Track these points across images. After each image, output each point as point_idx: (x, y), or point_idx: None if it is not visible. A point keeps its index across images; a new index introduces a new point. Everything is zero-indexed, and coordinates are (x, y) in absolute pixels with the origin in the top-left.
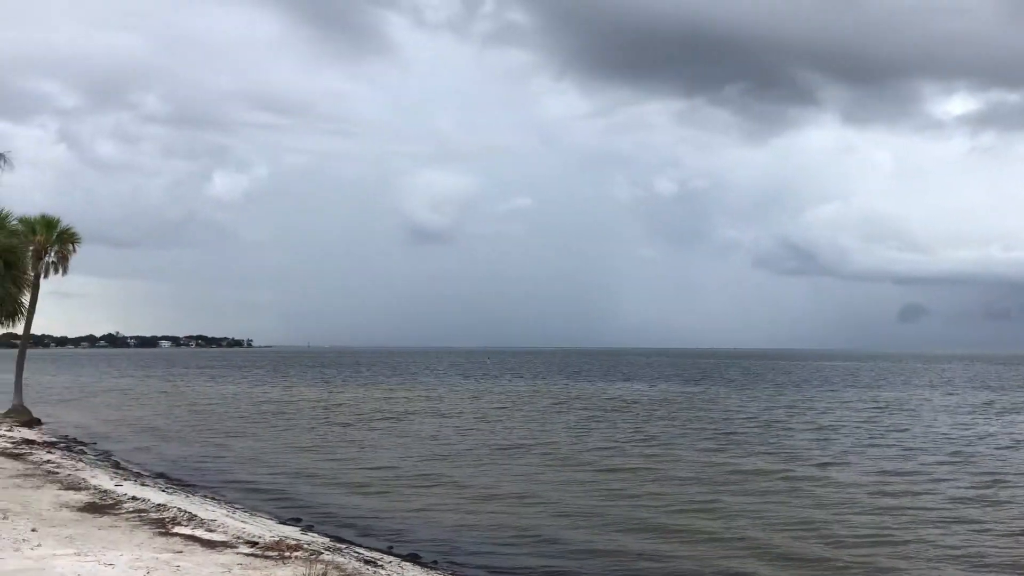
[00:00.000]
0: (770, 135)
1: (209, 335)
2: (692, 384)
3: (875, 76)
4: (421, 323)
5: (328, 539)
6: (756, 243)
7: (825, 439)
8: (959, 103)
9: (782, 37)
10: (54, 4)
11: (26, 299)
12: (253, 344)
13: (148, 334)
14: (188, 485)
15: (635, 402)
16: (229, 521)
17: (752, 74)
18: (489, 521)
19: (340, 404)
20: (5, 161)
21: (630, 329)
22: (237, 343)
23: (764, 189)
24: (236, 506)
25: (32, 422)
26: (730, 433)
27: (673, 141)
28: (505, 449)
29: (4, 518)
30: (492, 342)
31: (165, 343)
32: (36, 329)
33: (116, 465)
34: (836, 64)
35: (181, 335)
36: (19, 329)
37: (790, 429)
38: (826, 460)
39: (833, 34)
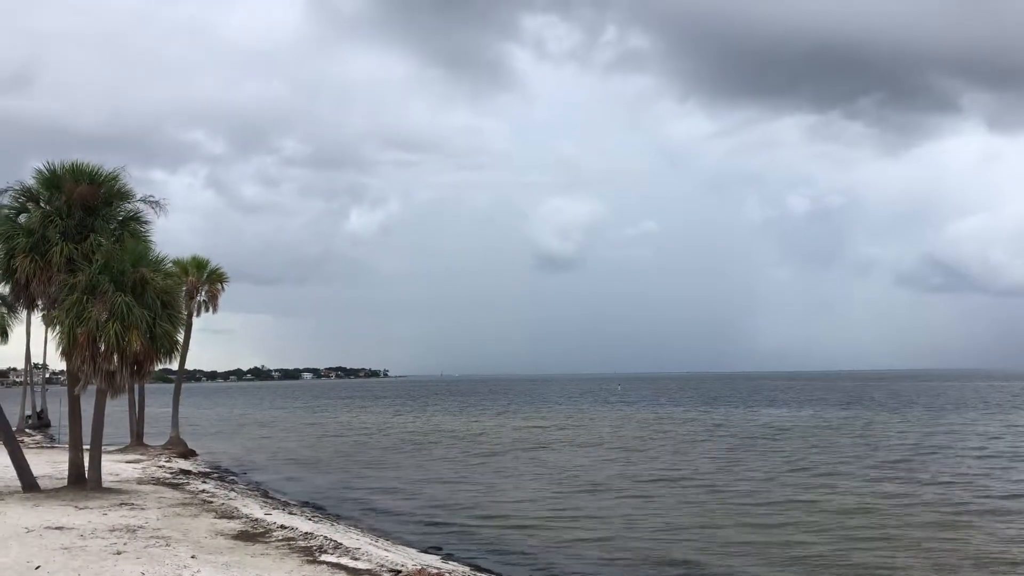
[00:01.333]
0: (908, 146)
1: (347, 366)
2: (841, 408)
3: (1020, 80)
4: (551, 350)
5: (468, 568)
6: (898, 260)
7: (1005, 468)
8: None
9: (915, 45)
10: (196, 56)
11: (181, 337)
12: (389, 374)
13: (291, 367)
14: (333, 514)
15: (783, 429)
16: (372, 549)
17: (887, 84)
18: (634, 555)
19: (478, 433)
20: (160, 207)
21: (766, 352)
22: (374, 373)
23: (904, 203)
24: (379, 534)
25: (188, 453)
26: (897, 461)
27: (804, 158)
28: (650, 481)
29: (167, 545)
30: (621, 367)
31: (307, 375)
32: (188, 364)
33: (265, 494)
34: (976, 69)
35: (321, 367)
36: (175, 365)
37: (960, 456)
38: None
39: (970, 39)
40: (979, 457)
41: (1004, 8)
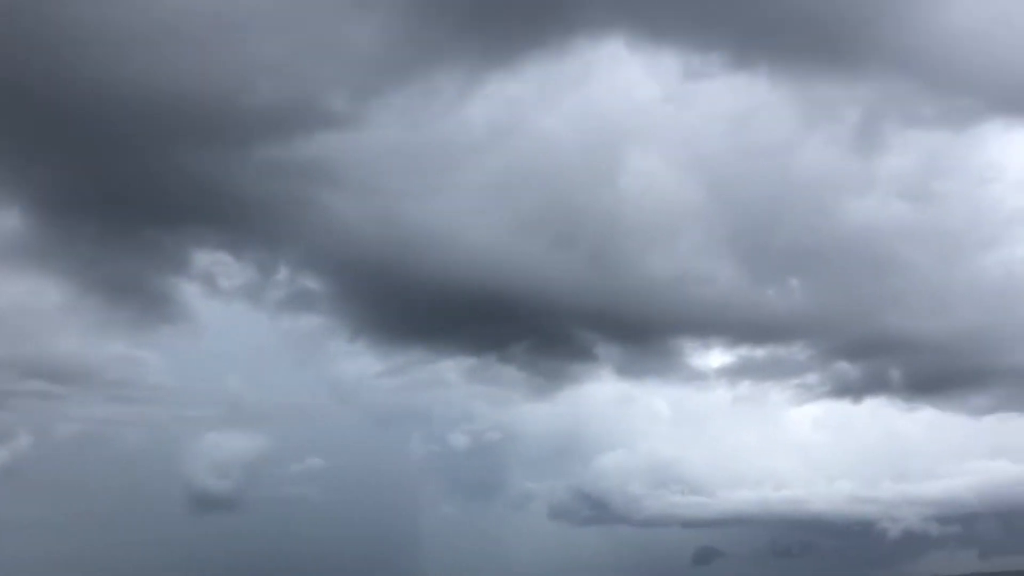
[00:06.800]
0: (556, 389)
1: None
2: None
3: (642, 335)
4: None
5: None
6: (551, 493)
7: None
8: (716, 357)
9: (558, 300)
10: None
11: None
12: None
13: None
14: None
15: None
16: None
17: (535, 333)
18: None
19: None
20: None
21: None
22: None
23: (555, 440)
24: None
25: None
26: None
27: (466, 396)
28: None
29: None
30: None
31: None
32: None
33: None
34: (607, 324)
35: None
36: None
37: None
38: None
39: (602, 298)
40: None
41: (625, 275)
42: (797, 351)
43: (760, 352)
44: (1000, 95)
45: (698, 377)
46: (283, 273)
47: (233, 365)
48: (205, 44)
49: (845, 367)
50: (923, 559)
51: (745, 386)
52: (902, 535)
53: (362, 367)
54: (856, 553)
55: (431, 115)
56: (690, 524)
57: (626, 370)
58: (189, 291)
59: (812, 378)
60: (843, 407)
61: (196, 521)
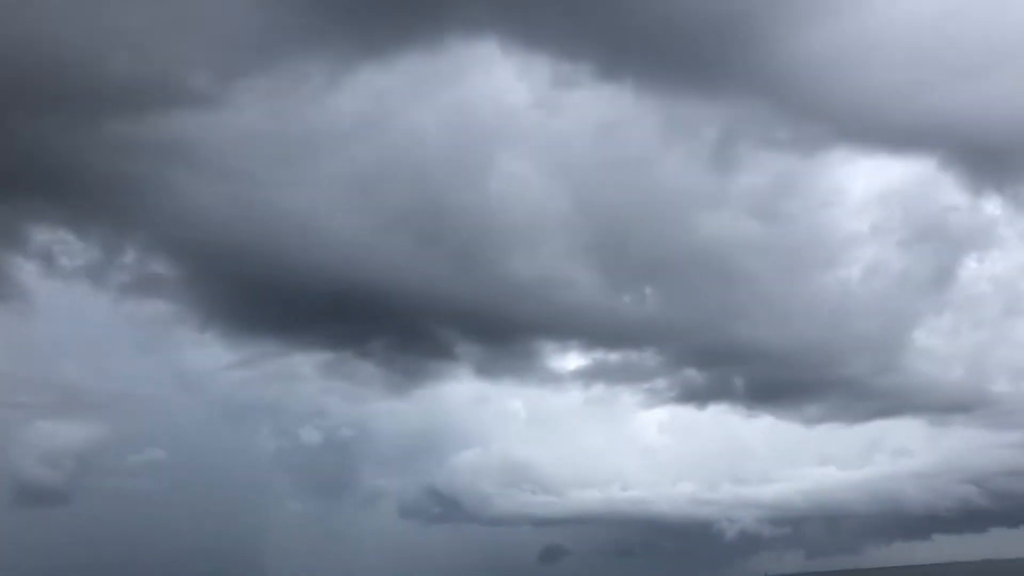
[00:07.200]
0: (413, 387)
1: None
2: None
3: (502, 336)
4: None
5: None
6: (403, 491)
7: None
8: (573, 360)
9: (419, 297)
10: None
11: None
12: None
13: None
14: None
15: None
16: None
17: (394, 330)
18: None
19: None
20: None
21: None
22: None
23: (410, 438)
24: None
25: None
26: None
27: (320, 391)
28: None
29: None
30: None
31: None
32: None
33: None
34: (468, 324)
35: None
36: None
37: None
38: None
39: (464, 298)
40: None
41: (490, 275)
42: (648, 357)
43: (614, 356)
44: (846, 124)
45: (554, 379)
46: (130, 255)
47: (70, 350)
48: (58, 9)
49: (692, 374)
50: (755, 558)
51: (598, 389)
52: (738, 536)
53: (211, 357)
54: (695, 553)
55: (298, 102)
56: (539, 523)
57: (485, 370)
58: (25, 269)
59: (661, 383)
60: (689, 412)
61: (23, 514)
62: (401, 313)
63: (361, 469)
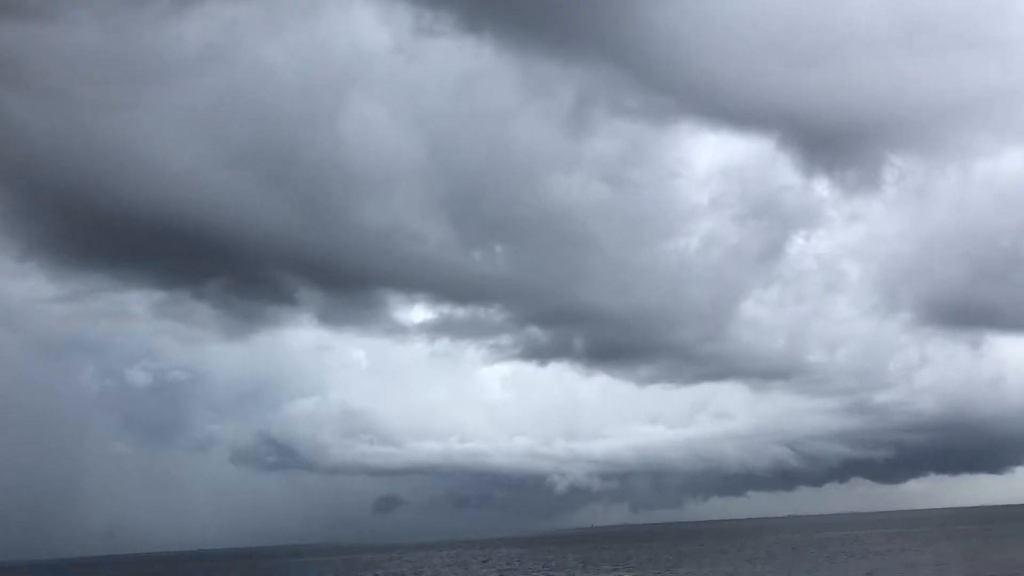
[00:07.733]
0: (251, 331)
1: None
2: None
3: (347, 284)
4: None
5: None
6: (237, 437)
7: None
8: (419, 313)
9: (259, 239)
10: None
11: None
12: None
13: None
14: None
15: None
16: None
17: (233, 271)
18: None
19: None
20: None
21: (97, 534)
22: None
23: (246, 384)
24: None
25: None
26: None
27: (151, 332)
28: None
29: None
30: None
31: None
32: None
33: None
34: (312, 270)
35: None
36: None
37: None
38: None
39: (307, 244)
40: None
41: (338, 221)
42: (495, 313)
43: (461, 311)
44: (695, 99)
45: (399, 330)
46: None
47: None
48: None
49: (536, 332)
50: (582, 511)
51: (444, 343)
52: (568, 489)
53: (31, 289)
54: (526, 505)
55: (139, 23)
56: (376, 473)
57: (327, 318)
58: None
59: (506, 340)
60: (531, 369)
61: None
62: (242, 255)
63: (193, 414)
